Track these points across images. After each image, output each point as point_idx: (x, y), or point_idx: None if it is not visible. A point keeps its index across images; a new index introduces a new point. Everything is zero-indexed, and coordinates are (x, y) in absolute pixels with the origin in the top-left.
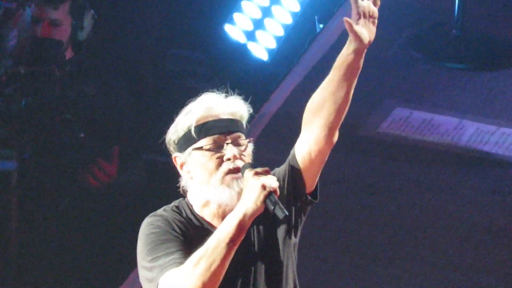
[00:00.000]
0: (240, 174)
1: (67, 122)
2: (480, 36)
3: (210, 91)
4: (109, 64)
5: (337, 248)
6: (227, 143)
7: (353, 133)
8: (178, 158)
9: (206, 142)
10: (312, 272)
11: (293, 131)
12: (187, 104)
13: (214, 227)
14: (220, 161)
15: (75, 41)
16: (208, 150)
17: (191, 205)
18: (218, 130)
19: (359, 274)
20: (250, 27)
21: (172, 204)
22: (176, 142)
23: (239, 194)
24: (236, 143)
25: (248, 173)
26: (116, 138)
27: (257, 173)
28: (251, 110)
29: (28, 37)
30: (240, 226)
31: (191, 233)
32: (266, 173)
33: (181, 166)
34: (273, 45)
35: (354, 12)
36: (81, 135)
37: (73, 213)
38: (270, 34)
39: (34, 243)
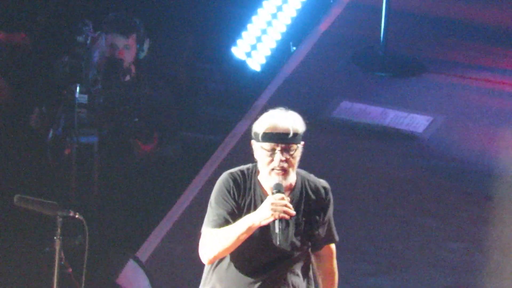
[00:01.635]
0: (281, 171)
1: (128, 112)
2: (397, 55)
3: (279, 108)
4: (158, 73)
5: None
6: (278, 150)
7: (314, 117)
8: (252, 143)
9: (265, 145)
10: None
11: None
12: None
13: (266, 195)
14: (271, 160)
15: (137, 59)
16: (265, 150)
17: (258, 172)
18: (274, 140)
19: None
20: (248, 49)
21: (248, 166)
22: (253, 133)
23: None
24: (285, 150)
25: (272, 194)
26: (160, 122)
27: (275, 200)
28: (305, 125)
29: (107, 56)
30: (248, 229)
31: (245, 196)
32: (282, 200)
33: (253, 148)
34: (263, 61)
35: None
36: (136, 120)
37: (130, 175)
38: (261, 54)
39: (110, 195)
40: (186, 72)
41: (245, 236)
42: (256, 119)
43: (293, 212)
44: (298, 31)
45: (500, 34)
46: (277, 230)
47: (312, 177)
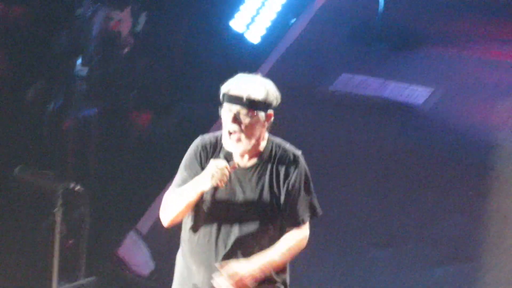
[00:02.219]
0: (234, 135)
1: (125, 84)
2: (396, 28)
3: (246, 73)
4: (155, 47)
5: None
6: (233, 113)
7: (313, 90)
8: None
9: (224, 106)
10: None
11: (278, 87)
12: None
13: (231, 158)
14: (227, 123)
15: (133, 32)
16: (224, 111)
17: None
18: (229, 101)
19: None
20: (247, 21)
21: (219, 133)
22: (220, 97)
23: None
24: (241, 115)
25: (216, 161)
26: (157, 95)
27: (218, 168)
28: (276, 97)
29: (104, 29)
30: (194, 190)
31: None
32: (221, 169)
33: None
34: (262, 33)
35: None
36: (134, 92)
37: (129, 148)
38: (260, 26)
39: (110, 167)
40: (185, 46)
41: (194, 200)
42: None
43: (223, 182)
44: (297, 3)
45: (500, 5)
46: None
47: (287, 146)
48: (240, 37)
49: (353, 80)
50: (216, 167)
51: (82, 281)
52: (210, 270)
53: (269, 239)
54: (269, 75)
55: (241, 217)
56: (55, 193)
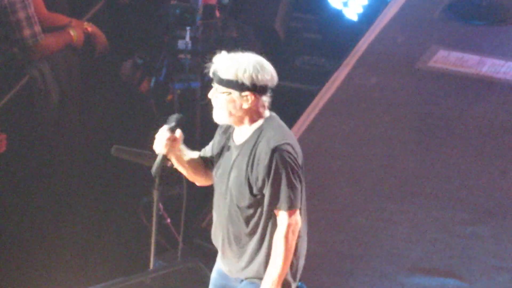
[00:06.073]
0: (216, 108)
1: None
2: (494, 3)
3: (224, 52)
4: (245, 20)
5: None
6: (213, 88)
7: (412, 67)
8: None
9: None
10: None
11: (377, 63)
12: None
13: (233, 141)
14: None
15: (221, 4)
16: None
17: None
18: (212, 76)
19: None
20: None
21: None
22: None
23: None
24: (216, 91)
25: (165, 127)
26: None
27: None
28: (249, 79)
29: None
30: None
31: (226, 133)
32: (162, 135)
33: None
34: (359, 10)
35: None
36: None
37: None
38: (357, 3)
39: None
40: (283, 23)
41: (182, 167)
42: (353, 69)
43: (162, 151)
44: None
45: None
46: (157, 161)
47: (271, 134)
48: (338, 14)
49: (450, 57)
50: (160, 132)
51: (179, 260)
52: (221, 249)
53: (253, 223)
54: (367, 52)
55: (231, 195)
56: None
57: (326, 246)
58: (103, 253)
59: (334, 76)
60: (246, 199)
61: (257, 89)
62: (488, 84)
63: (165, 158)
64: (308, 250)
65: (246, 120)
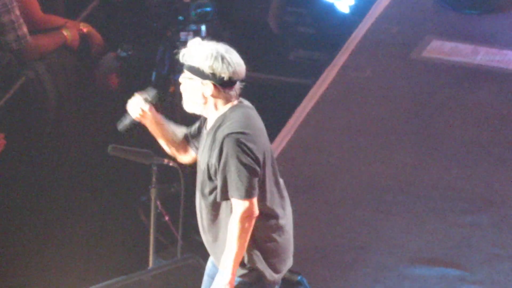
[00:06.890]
0: (182, 92)
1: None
2: None
3: (198, 38)
4: (244, 14)
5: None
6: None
7: (406, 57)
8: None
9: None
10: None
11: (371, 54)
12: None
13: (205, 128)
14: None
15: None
16: None
17: None
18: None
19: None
20: None
21: None
22: None
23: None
24: (184, 75)
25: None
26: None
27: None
28: (210, 68)
29: None
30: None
31: (201, 126)
32: (134, 99)
33: None
34: (352, 2)
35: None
36: None
37: None
38: None
39: None
40: (276, 17)
41: (158, 136)
42: (347, 61)
43: (132, 115)
44: None
45: None
46: (126, 121)
47: (231, 122)
48: (330, 7)
49: (444, 46)
50: (133, 98)
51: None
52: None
53: (217, 211)
54: (360, 44)
55: (201, 182)
56: (149, 170)
57: (325, 239)
58: (102, 252)
59: (328, 69)
60: (207, 186)
61: (216, 79)
62: (482, 73)
63: (135, 122)
64: (307, 244)
65: (212, 107)
